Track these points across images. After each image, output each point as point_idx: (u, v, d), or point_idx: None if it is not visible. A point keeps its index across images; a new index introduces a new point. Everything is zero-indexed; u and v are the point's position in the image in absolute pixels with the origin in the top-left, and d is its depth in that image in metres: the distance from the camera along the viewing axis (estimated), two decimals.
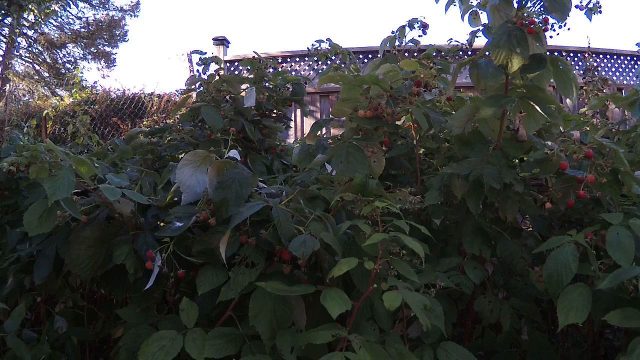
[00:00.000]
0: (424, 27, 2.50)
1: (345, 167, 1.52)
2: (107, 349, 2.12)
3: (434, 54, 2.43)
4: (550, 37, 1.67)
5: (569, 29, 2.24)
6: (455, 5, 2.34)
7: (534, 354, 1.67)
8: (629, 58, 6.43)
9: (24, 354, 1.48)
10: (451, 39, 2.81)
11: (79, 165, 1.44)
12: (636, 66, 6.36)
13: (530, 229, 1.93)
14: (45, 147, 1.49)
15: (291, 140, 5.59)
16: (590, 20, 2.68)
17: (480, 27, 2.38)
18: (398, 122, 1.87)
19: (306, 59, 6.24)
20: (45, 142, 1.48)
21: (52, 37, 17.26)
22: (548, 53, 1.59)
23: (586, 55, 5.88)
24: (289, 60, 6.36)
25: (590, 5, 2.72)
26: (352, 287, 1.36)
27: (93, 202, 1.60)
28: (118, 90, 8.22)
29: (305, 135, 2.11)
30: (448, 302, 1.56)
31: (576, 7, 2.66)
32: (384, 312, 1.35)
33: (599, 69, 5.65)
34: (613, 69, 6.40)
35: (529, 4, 1.58)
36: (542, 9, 1.55)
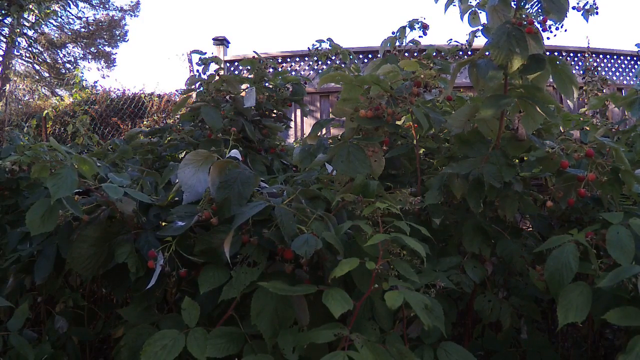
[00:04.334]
0: (424, 27, 2.50)
1: (347, 167, 1.52)
2: (107, 348, 2.12)
3: (434, 54, 2.43)
4: (548, 38, 1.68)
5: (565, 30, 2.26)
6: (454, 5, 2.35)
7: (533, 353, 1.67)
8: (628, 58, 6.44)
9: (27, 352, 1.48)
10: (451, 39, 2.82)
11: (81, 164, 1.44)
12: (636, 66, 6.37)
13: (530, 228, 1.93)
14: (48, 146, 1.49)
15: (291, 140, 5.59)
16: (587, 21, 2.70)
17: (480, 27, 2.39)
18: (398, 122, 1.87)
19: (306, 59, 6.24)
20: (47, 141, 1.48)
21: (52, 37, 17.24)
22: (547, 53, 1.60)
23: (586, 55, 5.89)
24: (289, 60, 6.37)
25: (587, 7, 2.74)
26: (353, 287, 1.37)
27: (94, 201, 1.60)
28: (118, 90, 8.24)
29: (305, 135, 2.11)
30: (448, 302, 1.57)
31: (573, 8, 2.68)
32: (385, 312, 1.36)
33: (599, 69, 5.65)
34: (613, 69, 6.42)
35: (527, 5, 1.59)
36: (540, 9, 1.56)
